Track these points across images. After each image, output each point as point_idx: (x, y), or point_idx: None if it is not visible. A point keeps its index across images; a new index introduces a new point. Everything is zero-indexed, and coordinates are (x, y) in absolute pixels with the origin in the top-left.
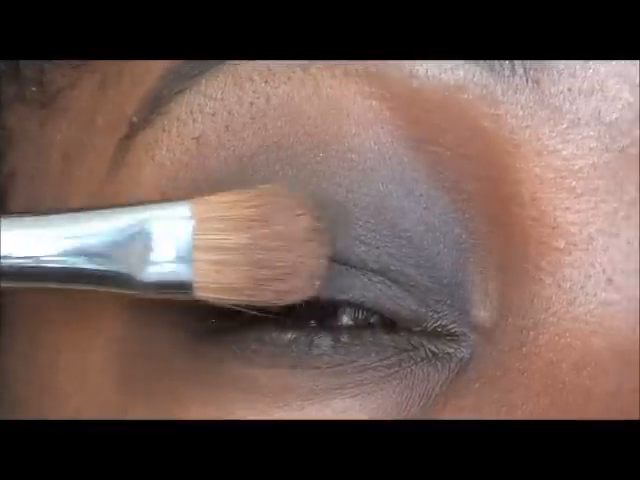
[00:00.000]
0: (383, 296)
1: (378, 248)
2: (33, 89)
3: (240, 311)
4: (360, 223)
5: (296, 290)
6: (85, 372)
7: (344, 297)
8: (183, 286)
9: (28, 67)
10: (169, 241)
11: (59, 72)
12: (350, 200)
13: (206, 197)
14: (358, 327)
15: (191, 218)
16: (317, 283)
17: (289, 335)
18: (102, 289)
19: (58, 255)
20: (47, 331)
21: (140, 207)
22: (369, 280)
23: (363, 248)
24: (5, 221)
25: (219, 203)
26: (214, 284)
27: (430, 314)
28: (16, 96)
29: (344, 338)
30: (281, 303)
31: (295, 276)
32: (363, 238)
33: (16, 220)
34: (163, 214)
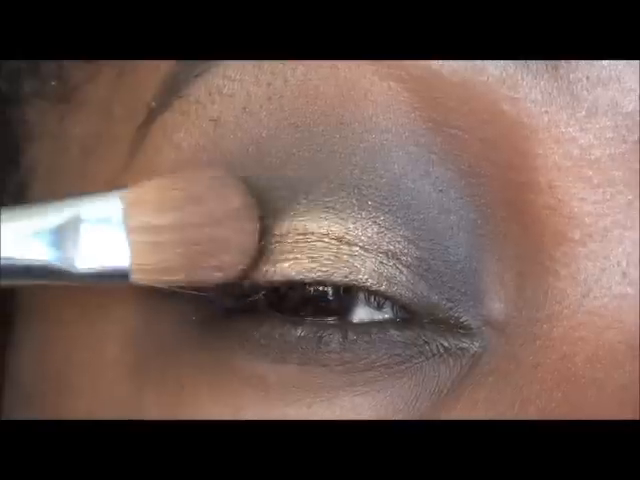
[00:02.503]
0: (394, 280)
1: (391, 230)
2: (52, 84)
3: (251, 307)
4: (374, 204)
5: (228, 266)
6: (98, 366)
7: (353, 278)
8: (119, 272)
9: (47, 62)
10: (100, 228)
11: (77, 66)
12: (365, 181)
13: (138, 184)
14: (367, 324)
15: (122, 204)
16: (248, 259)
17: (298, 332)
18: (43, 282)
19: None
20: (61, 326)
21: (72, 200)
22: (381, 263)
23: (376, 229)
24: None
25: (149, 187)
26: (148, 265)
27: (443, 302)
28: (36, 91)
29: (352, 335)
30: (215, 280)
31: (226, 251)
32: (376, 219)
33: None
34: (95, 205)
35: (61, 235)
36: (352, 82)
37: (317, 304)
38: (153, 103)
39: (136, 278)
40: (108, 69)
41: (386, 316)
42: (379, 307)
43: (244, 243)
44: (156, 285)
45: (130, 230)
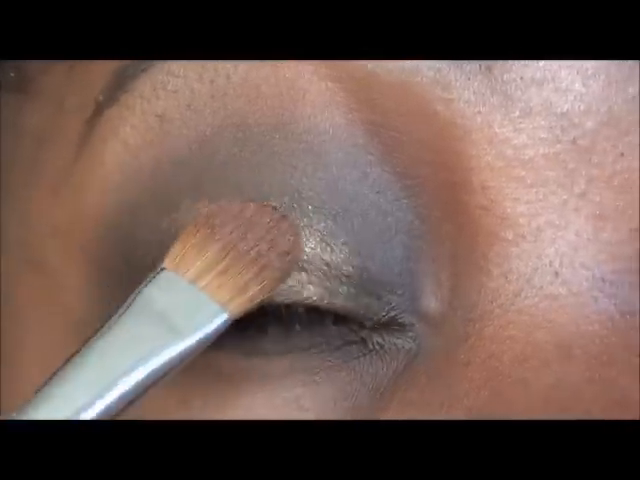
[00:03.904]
0: (336, 292)
1: (332, 238)
2: (11, 75)
3: None
4: (314, 209)
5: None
6: (47, 351)
7: (298, 297)
8: (217, 321)
9: None
10: (175, 304)
11: None
12: (305, 184)
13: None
14: (307, 317)
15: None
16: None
17: (241, 321)
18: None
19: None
20: (16, 309)
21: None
22: (324, 275)
23: (318, 238)
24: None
25: (180, 245)
26: (229, 297)
27: (382, 306)
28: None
29: (297, 327)
30: (289, 267)
31: (272, 252)
32: (317, 227)
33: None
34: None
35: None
36: (291, 82)
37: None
38: (101, 97)
39: (232, 312)
40: (61, 61)
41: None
42: (320, 320)
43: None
44: (252, 306)
45: (194, 282)
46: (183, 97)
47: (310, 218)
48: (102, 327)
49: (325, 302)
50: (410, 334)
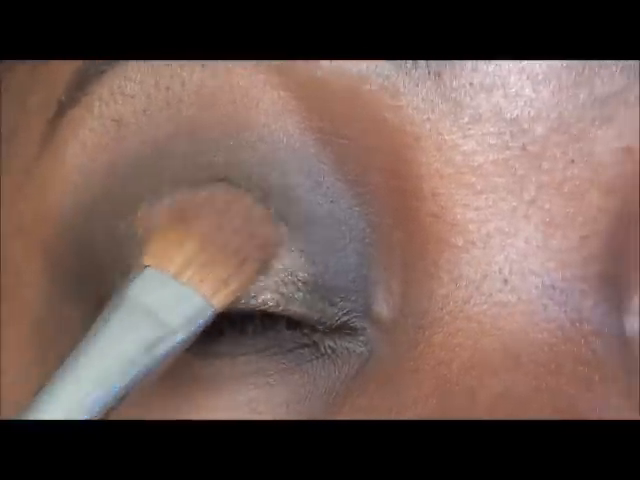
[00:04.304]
0: (292, 298)
1: (289, 243)
2: None
3: None
4: (272, 217)
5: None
6: (9, 347)
7: (254, 302)
8: (202, 312)
9: None
10: (161, 300)
11: None
12: (260, 192)
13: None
14: (260, 319)
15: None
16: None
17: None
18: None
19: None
20: None
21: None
22: (281, 281)
23: (267, 241)
24: None
25: (159, 241)
26: (212, 290)
27: (335, 311)
28: None
29: (249, 328)
30: (270, 256)
31: (253, 240)
32: (274, 233)
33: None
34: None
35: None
36: (245, 90)
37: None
38: (63, 97)
39: (217, 305)
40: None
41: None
42: (273, 323)
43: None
44: (236, 298)
45: (176, 277)
46: (139, 102)
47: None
48: (90, 329)
49: (280, 308)
50: (362, 339)
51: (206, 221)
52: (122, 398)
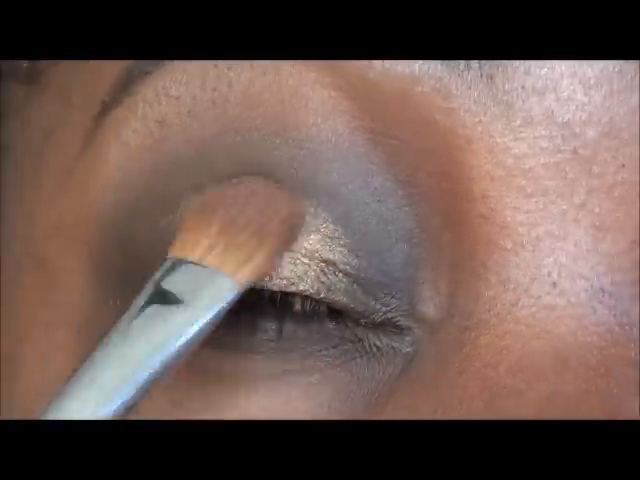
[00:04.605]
0: (334, 288)
1: (331, 239)
2: (25, 64)
3: None
4: (313, 212)
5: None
6: (48, 350)
7: (294, 289)
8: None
9: None
10: (185, 284)
11: None
12: (305, 189)
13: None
14: (305, 315)
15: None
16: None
17: (234, 317)
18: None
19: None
20: (17, 307)
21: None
22: (321, 271)
23: (315, 237)
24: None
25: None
26: (235, 268)
27: (379, 307)
28: (11, 70)
29: (290, 325)
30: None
31: (272, 221)
32: (318, 227)
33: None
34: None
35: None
36: (294, 89)
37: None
38: (106, 98)
39: (241, 281)
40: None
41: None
42: (315, 308)
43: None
44: (259, 277)
45: (199, 261)
46: (184, 104)
47: (310, 218)
48: (119, 322)
49: (321, 296)
50: (407, 338)
51: (227, 206)
52: (155, 380)
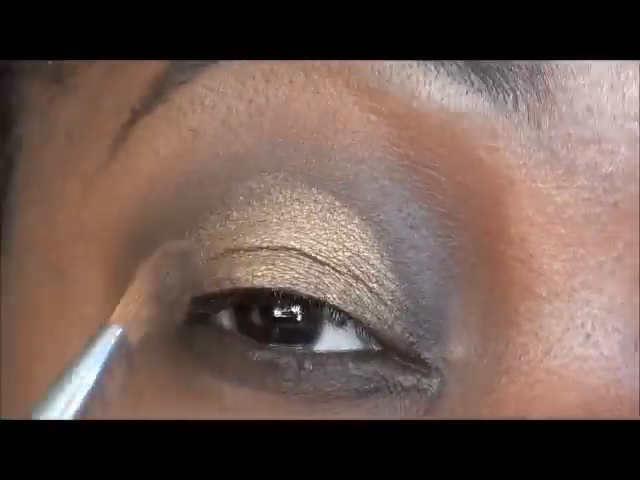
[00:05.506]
0: (360, 303)
1: (359, 256)
2: (49, 62)
3: (218, 325)
4: (345, 230)
5: None
6: (63, 363)
7: (322, 296)
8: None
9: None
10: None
11: None
12: (336, 207)
13: None
14: (326, 354)
15: None
16: None
17: (256, 355)
18: None
19: None
20: (31, 314)
21: None
22: (350, 285)
23: (347, 253)
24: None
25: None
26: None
27: (406, 335)
28: (33, 66)
29: (309, 365)
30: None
31: None
32: (347, 244)
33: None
34: None
35: None
36: (333, 110)
37: (283, 326)
38: (137, 105)
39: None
40: (100, 60)
41: (346, 348)
42: (342, 324)
43: None
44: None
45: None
46: (219, 113)
47: (339, 235)
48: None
49: (348, 309)
50: (434, 378)
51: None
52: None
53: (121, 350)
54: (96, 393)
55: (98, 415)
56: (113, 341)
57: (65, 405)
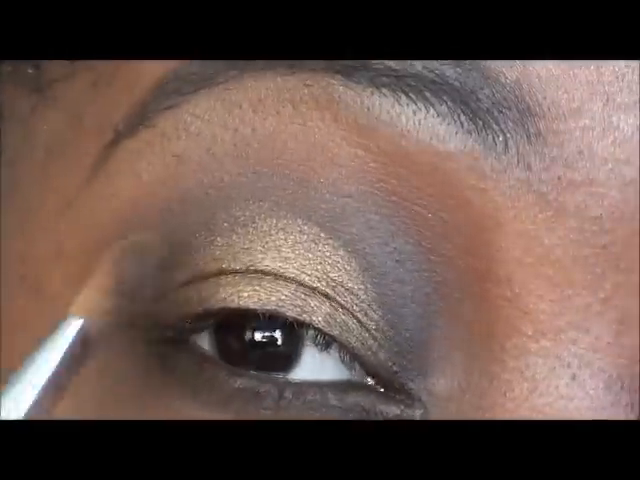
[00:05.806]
0: (347, 328)
1: (343, 287)
2: (29, 71)
3: (199, 352)
4: (330, 261)
5: None
6: None
7: (307, 318)
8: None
9: None
10: None
11: (56, 61)
12: (322, 238)
13: None
14: (305, 384)
15: None
16: None
17: (237, 383)
18: None
19: None
20: (6, 327)
21: None
22: (336, 310)
23: (331, 283)
24: None
25: None
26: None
27: (389, 364)
28: (12, 73)
29: (288, 394)
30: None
31: None
32: (332, 275)
33: None
34: None
35: None
36: (321, 144)
37: (264, 350)
38: (120, 126)
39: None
40: (84, 73)
41: (326, 375)
42: (326, 347)
43: None
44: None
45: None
46: (204, 141)
47: (324, 266)
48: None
49: (333, 333)
50: (415, 407)
51: None
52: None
53: (80, 339)
54: (54, 381)
55: (53, 401)
56: (72, 331)
57: (22, 393)
